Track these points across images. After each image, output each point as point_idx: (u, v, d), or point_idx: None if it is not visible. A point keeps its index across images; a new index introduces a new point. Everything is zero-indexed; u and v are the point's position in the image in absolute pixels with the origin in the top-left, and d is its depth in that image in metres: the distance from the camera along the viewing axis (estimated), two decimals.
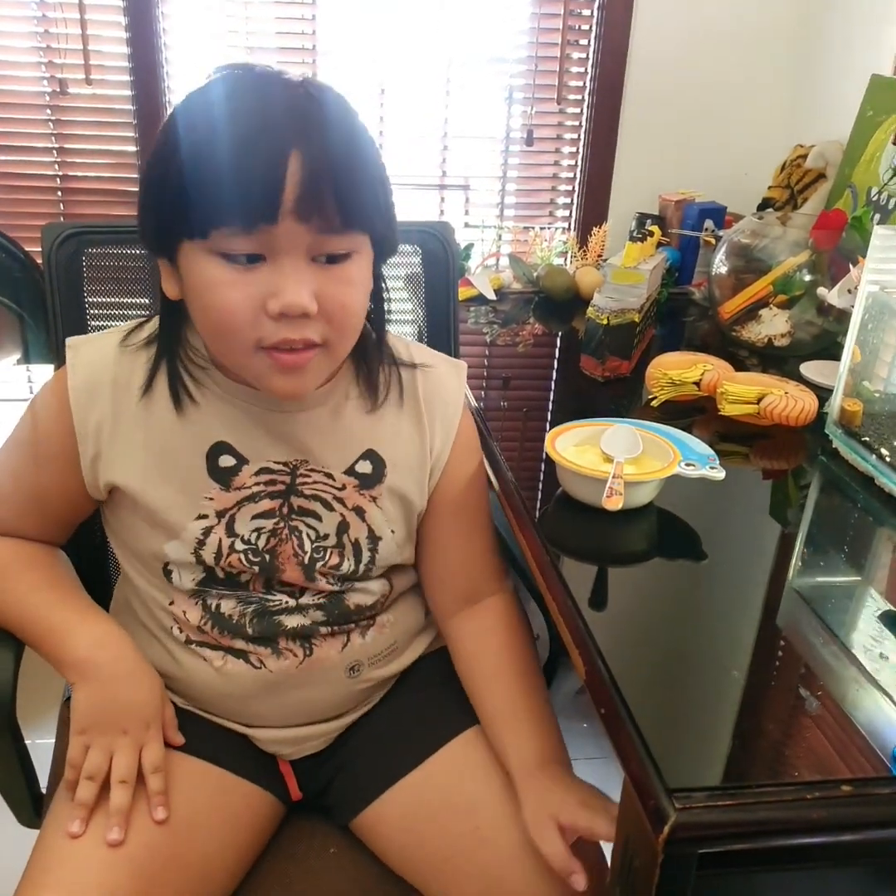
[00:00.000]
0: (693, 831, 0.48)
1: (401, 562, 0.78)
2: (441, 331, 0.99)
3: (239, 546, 0.71)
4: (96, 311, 0.91)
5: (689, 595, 0.72)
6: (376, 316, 0.73)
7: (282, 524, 0.71)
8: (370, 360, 0.73)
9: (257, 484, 0.70)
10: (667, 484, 0.77)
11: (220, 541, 0.70)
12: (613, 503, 0.70)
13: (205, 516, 0.70)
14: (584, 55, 1.61)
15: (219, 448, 0.69)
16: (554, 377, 1.24)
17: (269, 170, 0.55)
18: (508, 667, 0.76)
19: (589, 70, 1.61)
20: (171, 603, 0.74)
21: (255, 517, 0.71)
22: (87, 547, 0.95)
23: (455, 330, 1.00)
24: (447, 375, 0.77)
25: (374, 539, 0.74)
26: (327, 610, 0.74)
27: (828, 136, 1.45)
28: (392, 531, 0.75)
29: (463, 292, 1.46)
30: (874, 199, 1.28)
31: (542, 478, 0.89)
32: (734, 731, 0.56)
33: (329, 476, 0.71)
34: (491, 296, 1.46)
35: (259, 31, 1.50)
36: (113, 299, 0.92)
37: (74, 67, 1.45)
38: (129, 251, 0.92)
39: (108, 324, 0.93)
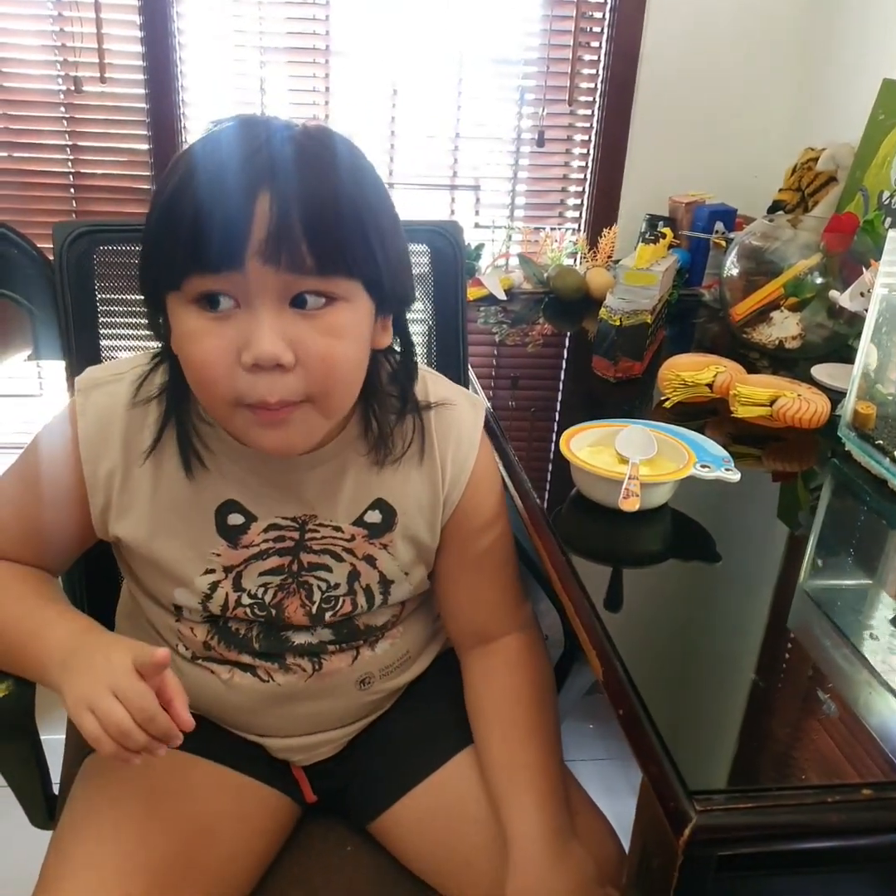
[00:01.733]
0: (713, 834, 0.48)
1: (416, 595, 0.77)
2: (450, 330, 0.99)
3: (245, 600, 0.71)
4: (108, 309, 0.91)
5: (704, 597, 0.72)
6: (404, 370, 0.69)
7: (290, 580, 0.71)
8: (381, 417, 0.68)
9: (266, 541, 0.69)
10: (681, 486, 0.78)
11: (227, 595, 0.70)
12: (630, 504, 0.70)
13: (212, 571, 0.69)
14: (595, 56, 1.61)
15: (228, 507, 0.68)
16: (563, 378, 1.24)
17: (236, 211, 0.52)
18: (510, 715, 0.73)
19: (600, 71, 1.62)
20: (177, 620, 0.73)
21: (262, 574, 0.70)
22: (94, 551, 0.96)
23: (463, 329, 1.00)
24: (464, 413, 0.74)
25: (386, 583, 0.73)
26: (336, 630, 0.74)
27: (839, 139, 1.44)
28: (406, 573, 0.74)
29: (473, 292, 1.46)
30: (886, 202, 1.28)
31: (549, 479, 0.89)
32: (750, 733, 0.56)
33: (338, 529, 0.70)
34: (501, 296, 1.46)
35: (272, 31, 1.51)
36: (124, 296, 0.92)
37: (89, 66, 1.46)
38: (139, 249, 0.92)
39: (119, 319, 0.93)
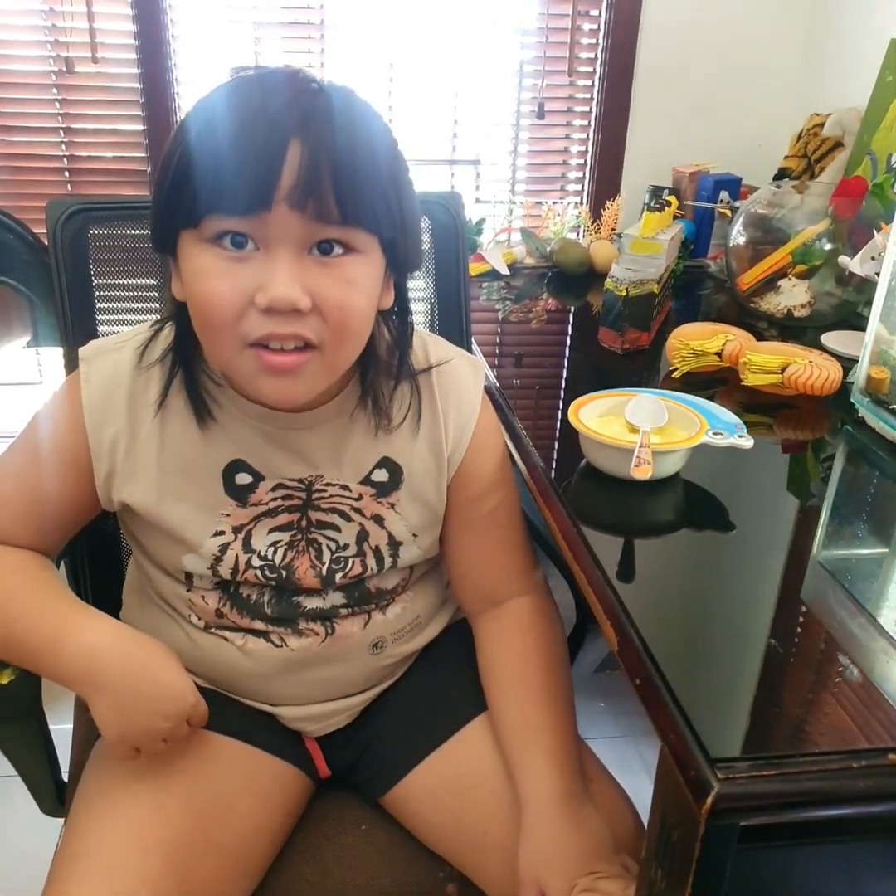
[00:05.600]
0: (736, 802, 0.47)
1: (425, 559, 0.77)
2: (452, 303, 0.98)
3: (255, 562, 0.70)
4: (104, 292, 0.90)
5: (718, 566, 0.71)
6: (400, 335, 0.70)
7: (299, 536, 0.70)
8: (379, 380, 0.69)
9: (274, 500, 0.69)
10: (691, 455, 0.76)
11: (237, 557, 0.70)
12: (642, 472, 0.69)
13: (222, 532, 0.69)
14: (595, 26, 1.58)
15: (235, 466, 0.68)
16: (568, 353, 1.22)
17: (266, 156, 0.53)
18: (523, 677, 0.73)
19: (600, 41, 1.58)
20: (188, 590, 0.73)
21: (272, 531, 0.70)
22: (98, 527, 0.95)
23: (466, 302, 0.98)
24: (464, 373, 0.74)
25: (394, 544, 0.73)
26: (347, 593, 0.74)
27: (844, 104, 1.42)
28: (414, 536, 0.74)
29: (475, 268, 1.44)
30: (895, 165, 1.26)
31: (557, 452, 0.88)
32: (769, 702, 0.55)
33: (345, 488, 0.70)
34: (504, 271, 1.44)
35: (265, 5, 1.48)
36: (120, 280, 0.91)
37: (80, 46, 1.43)
38: (136, 228, 0.90)
39: (116, 303, 0.91)
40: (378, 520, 0.71)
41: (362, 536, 0.71)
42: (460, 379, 0.74)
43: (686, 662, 0.59)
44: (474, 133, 1.63)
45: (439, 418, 0.72)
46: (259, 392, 0.61)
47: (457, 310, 0.98)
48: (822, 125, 1.43)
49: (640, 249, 1.07)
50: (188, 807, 0.67)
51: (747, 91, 1.62)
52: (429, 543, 0.75)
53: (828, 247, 1.19)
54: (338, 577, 0.72)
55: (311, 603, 0.72)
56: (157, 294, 0.93)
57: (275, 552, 0.70)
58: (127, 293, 0.92)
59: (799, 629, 0.62)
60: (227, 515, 0.68)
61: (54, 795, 0.80)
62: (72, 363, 0.89)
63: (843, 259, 1.11)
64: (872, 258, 1.01)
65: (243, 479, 0.68)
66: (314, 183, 0.54)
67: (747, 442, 0.74)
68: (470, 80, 1.59)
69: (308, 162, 0.53)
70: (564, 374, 1.13)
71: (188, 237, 0.57)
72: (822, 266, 1.21)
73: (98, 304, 0.90)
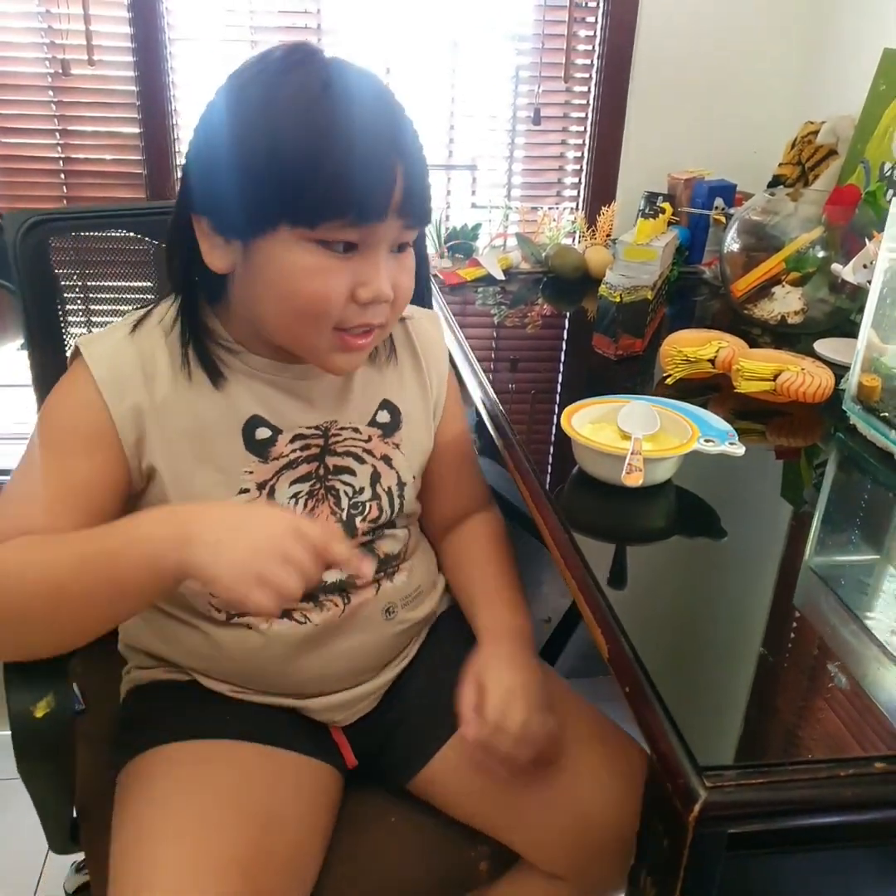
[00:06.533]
0: (723, 810, 0.47)
1: (416, 508, 0.82)
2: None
3: None
4: (71, 297, 0.90)
5: (710, 573, 0.71)
6: (417, 288, 0.75)
7: (318, 485, 0.73)
8: None
9: (294, 451, 0.72)
10: (684, 462, 0.76)
11: None
12: (633, 479, 0.69)
13: (246, 491, 0.70)
14: (591, 32, 1.59)
15: (253, 422, 0.70)
16: (563, 358, 1.23)
17: (384, 175, 0.60)
18: (491, 558, 0.84)
19: (596, 48, 1.59)
20: None
21: (293, 483, 0.72)
22: None
23: (425, 264, 1.01)
24: (430, 325, 0.84)
25: (400, 485, 0.78)
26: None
27: (838, 111, 1.42)
28: (413, 477, 0.79)
29: (470, 272, 1.44)
30: (887, 174, 1.26)
31: (551, 459, 0.88)
32: (759, 710, 0.55)
33: (356, 430, 0.75)
34: (499, 276, 1.44)
35: (262, 8, 1.48)
36: (85, 283, 0.92)
37: (76, 48, 1.43)
38: (98, 235, 0.91)
39: (79, 313, 0.93)
40: (387, 460, 0.76)
41: (375, 478, 0.75)
42: (429, 329, 0.83)
43: (677, 669, 0.59)
44: (471, 138, 1.63)
45: (423, 368, 0.81)
46: (329, 365, 0.68)
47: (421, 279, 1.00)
48: (816, 133, 1.44)
49: (634, 256, 1.07)
50: (247, 820, 0.67)
51: (742, 98, 1.63)
52: (419, 486, 0.82)
53: (821, 254, 1.20)
54: (358, 521, 0.75)
55: (331, 576, 0.74)
56: (118, 298, 0.96)
57: (296, 504, 0.72)
58: (91, 296, 0.93)
59: (790, 636, 0.62)
60: (251, 472, 0.70)
61: (67, 833, 0.78)
62: (43, 369, 0.90)
63: (835, 267, 1.11)
64: (865, 266, 1.02)
65: (263, 433, 0.70)
66: (411, 197, 0.62)
67: (738, 449, 0.75)
68: (466, 86, 1.59)
69: (406, 178, 0.61)
70: (560, 378, 1.13)
71: (290, 233, 0.61)
72: (815, 273, 1.21)
73: (65, 311, 0.90)
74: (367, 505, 0.75)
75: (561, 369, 1.17)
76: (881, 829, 0.51)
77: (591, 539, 0.74)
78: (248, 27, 1.49)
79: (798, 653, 0.60)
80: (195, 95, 1.50)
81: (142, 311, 0.71)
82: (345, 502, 0.74)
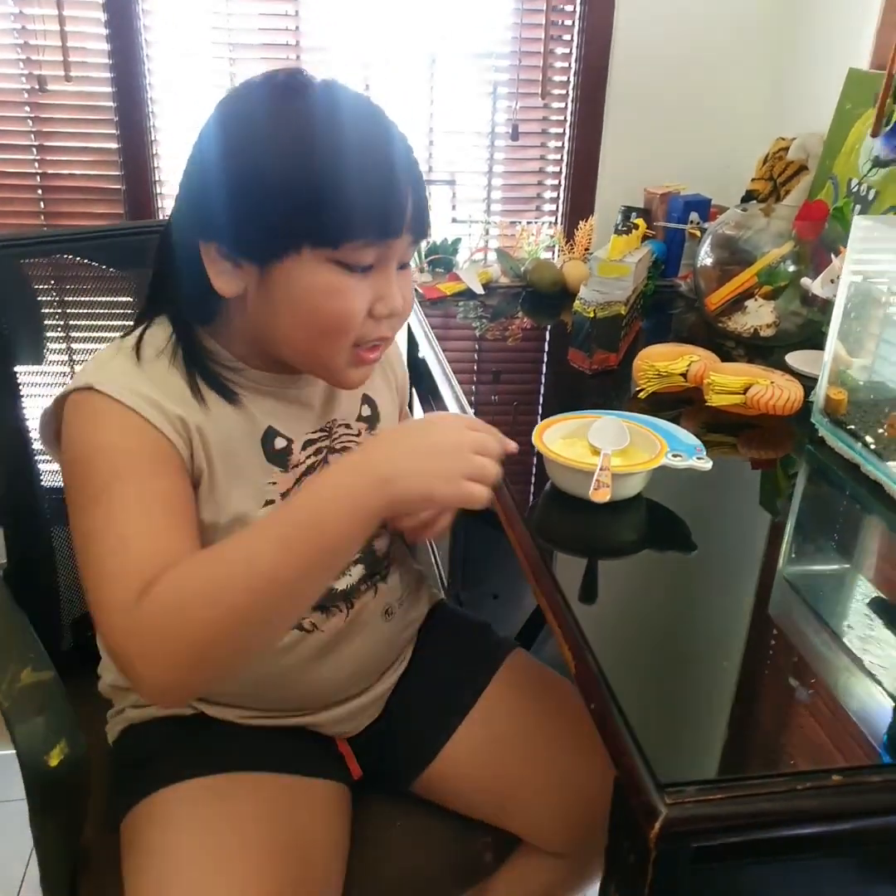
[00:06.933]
0: (685, 826, 0.48)
1: None
2: None
3: None
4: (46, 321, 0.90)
5: (680, 586, 0.72)
6: None
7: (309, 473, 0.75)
8: None
9: (308, 457, 0.74)
10: (656, 475, 0.77)
11: None
12: (601, 495, 0.70)
13: (272, 502, 0.71)
14: (567, 49, 1.61)
15: (270, 433, 0.71)
16: (542, 372, 1.24)
17: (398, 193, 0.63)
18: None
19: (572, 64, 1.61)
20: None
21: None
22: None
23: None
24: None
25: None
26: (364, 561, 0.78)
27: (809, 128, 1.45)
28: None
29: (450, 287, 1.45)
30: (855, 190, 1.29)
31: (533, 473, 0.88)
32: (726, 724, 0.56)
33: (348, 426, 0.77)
34: (479, 290, 1.45)
35: (241, 27, 1.49)
36: (52, 309, 0.92)
37: (53, 64, 1.43)
38: (63, 259, 0.91)
39: (51, 333, 0.92)
40: None
41: None
42: None
43: (646, 684, 0.59)
44: (450, 153, 1.65)
45: (387, 365, 0.84)
46: (343, 380, 0.69)
47: None
48: (787, 149, 1.46)
49: (607, 272, 1.08)
50: (274, 854, 0.67)
51: (716, 114, 1.66)
52: None
53: (792, 268, 1.21)
54: None
55: (341, 584, 0.76)
56: (86, 317, 0.95)
57: None
58: (59, 322, 0.93)
59: (758, 650, 0.63)
60: (274, 484, 0.71)
61: (66, 885, 0.74)
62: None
63: (804, 281, 1.13)
64: (832, 280, 1.03)
65: (280, 443, 0.72)
66: (419, 213, 0.64)
67: (706, 464, 0.76)
68: (445, 102, 1.61)
69: (414, 196, 0.64)
70: (538, 393, 1.14)
71: (312, 254, 0.62)
72: (787, 287, 1.23)
73: (40, 333, 0.90)
74: None
75: (541, 383, 1.18)
76: (841, 840, 0.51)
77: (563, 554, 0.75)
78: (227, 44, 1.49)
79: (766, 665, 0.61)
80: (174, 110, 1.50)
81: (130, 340, 0.68)
82: None
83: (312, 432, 0.74)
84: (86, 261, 0.92)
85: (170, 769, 0.72)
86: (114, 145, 1.50)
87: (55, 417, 0.66)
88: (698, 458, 0.76)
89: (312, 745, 0.78)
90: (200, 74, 1.50)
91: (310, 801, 0.74)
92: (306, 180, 0.60)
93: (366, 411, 0.80)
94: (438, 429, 0.62)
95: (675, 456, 0.76)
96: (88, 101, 1.48)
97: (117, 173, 1.52)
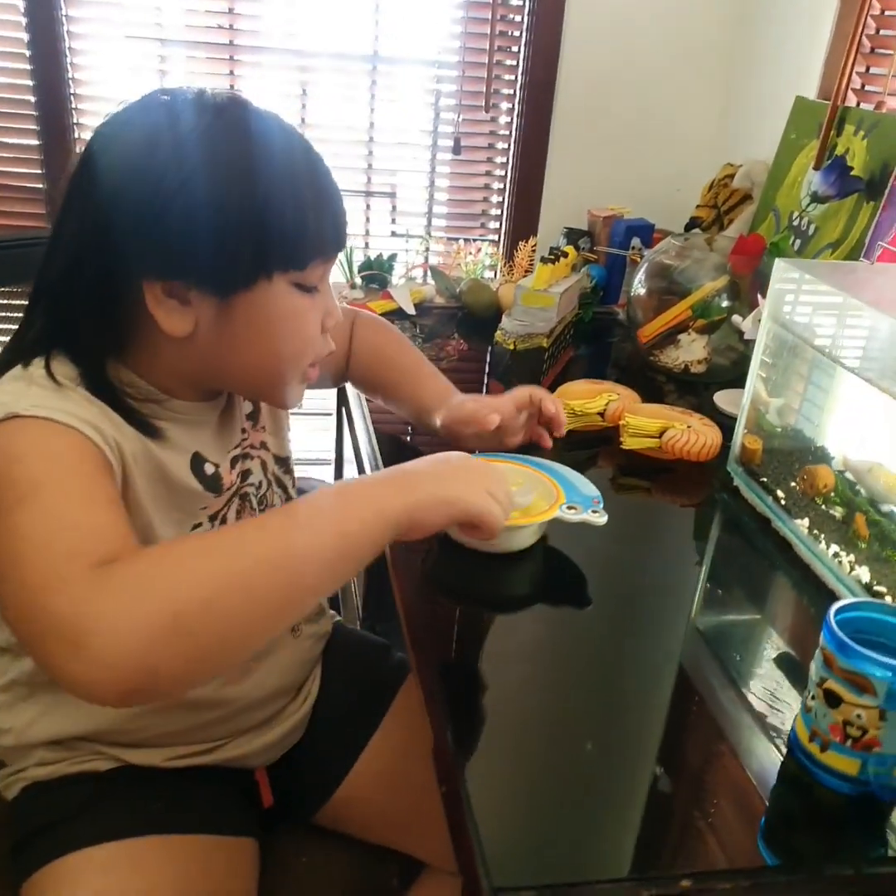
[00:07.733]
0: None
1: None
2: None
3: None
4: None
5: (564, 646, 0.68)
6: None
7: (235, 498, 0.73)
8: None
9: (236, 474, 0.73)
10: (559, 524, 0.73)
11: None
12: (491, 547, 0.66)
13: (199, 525, 0.69)
14: (514, 62, 1.57)
15: (196, 459, 0.69)
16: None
17: (339, 212, 0.65)
18: (394, 346, 0.91)
19: (519, 77, 1.57)
20: None
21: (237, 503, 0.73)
22: None
23: None
24: None
25: (280, 460, 0.79)
26: None
27: (758, 155, 1.42)
28: (288, 447, 0.82)
29: (381, 306, 1.40)
30: (795, 223, 1.26)
31: None
32: (585, 816, 0.52)
33: (244, 431, 0.76)
34: (410, 310, 1.40)
35: (172, 23, 1.43)
36: None
37: None
38: None
39: None
40: (263, 445, 0.78)
41: (263, 467, 0.77)
42: None
43: (513, 766, 0.55)
44: (391, 165, 1.60)
45: None
46: (289, 400, 0.69)
47: None
48: (733, 176, 1.43)
49: (531, 302, 1.04)
50: None
51: (665, 137, 1.63)
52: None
53: (726, 303, 1.18)
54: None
55: None
56: None
57: (224, 522, 0.72)
58: None
59: (633, 730, 0.59)
60: (205, 508, 0.70)
61: None
62: None
63: (735, 319, 1.10)
64: (758, 321, 1.00)
65: (209, 468, 0.70)
66: (345, 229, 0.66)
67: (600, 518, 0.71)
68: (386, 111, 1.56)
69: (342, 212, 0.65)
70: None
71: (280, 279, 0.62)
72: (723, 322, 1.20)
73: None
74: (267, 496, 0.77)
75: None
76: None
77: (450, 607, 0.70)
78: (157, 40, 1.43)
79: (637, 749, 0.57)
80: (99, 108, 1.43)
81: (37, 370, 0.61)
82: (255, 502, 0.75)
83: (232, 448, 0.73)
84: None
85: (79, 833, 0.67)
86: (34, 142, 1.43)
87: None
88: (593, 511, 0.72)
89: (228, 788, 0.75)
90: (127, 72, 1.43)
91: (223, 860, 0.72)
92: (271, 206, 0.60)
93: (247, 407, 0.77)
94: (459, 457, 0.64)
95: (569, 508, 0.72)
96: (6, 94, 1.41)
97: (39, 172, 1.45)
